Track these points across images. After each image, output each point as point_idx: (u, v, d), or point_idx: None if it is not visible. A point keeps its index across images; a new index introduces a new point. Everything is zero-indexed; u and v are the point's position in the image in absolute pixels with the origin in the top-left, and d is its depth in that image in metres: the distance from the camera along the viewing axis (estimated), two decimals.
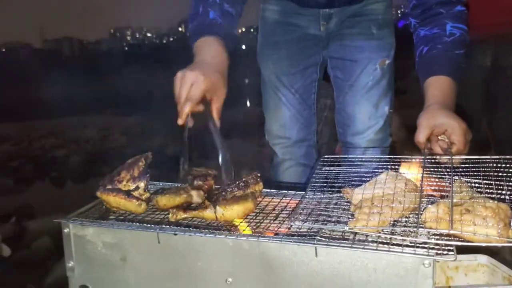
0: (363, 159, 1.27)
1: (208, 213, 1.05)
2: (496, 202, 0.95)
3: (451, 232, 0.89)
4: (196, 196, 1.09)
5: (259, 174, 1.16)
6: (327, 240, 0.95)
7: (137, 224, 1.07)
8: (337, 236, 0.98)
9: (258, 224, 1.07)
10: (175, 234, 1.02)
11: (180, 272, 1.05)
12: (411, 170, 1.15)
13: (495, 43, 2.33)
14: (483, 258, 1.17)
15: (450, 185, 1.02)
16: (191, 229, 1.03)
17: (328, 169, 1.19)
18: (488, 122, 2.53)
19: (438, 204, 0.96)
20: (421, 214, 0.96)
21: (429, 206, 0.97)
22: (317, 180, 1.14)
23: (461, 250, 0.97)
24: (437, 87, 1.25)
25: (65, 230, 1.11)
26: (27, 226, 3.18)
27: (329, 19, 1.67)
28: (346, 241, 0.95)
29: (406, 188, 1.03)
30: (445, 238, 0.91)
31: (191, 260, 1.03)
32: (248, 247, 0.99)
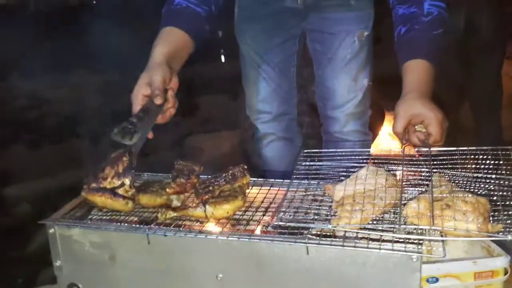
0: (343, 153, 1.24)
1: (198, 212, 1.04)
2: (475, 196, 0.97)
3: (433, 228, 0.91)
4: (175, 200, 1.07)
5: (245, 167, 1.15)
6: (318, 238, 0.96)
7: (126, 225, 1.05)
8: (327, 234, 0.99)
9: (248, 221, 1.06)
10: (165, 235, 1.01)
11: (170, 269, 1.05)
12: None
13: (468, 5, 2.34)
14: None
15: (429, 179, 1.03)
16: (181, 229, 1.02)
17: (309, 164, 1.19)
18: (463, 81, 2.57)
19: (419, 199, 0.97)
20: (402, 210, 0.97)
21: (410, 202, 0.98)
22: (299, 175, 1.14)
23: None
24: (415, 72, 1.23)
25: (51, 231, 1.09)
26: (5, 193, 3.13)
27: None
28: (337, 239, 0.96)
29: (387, 183, 1.03)
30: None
31: (181, 258, 1.03)
32: (239, 245, 0.99)
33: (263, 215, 1.08)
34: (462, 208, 0.93)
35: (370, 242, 0.95)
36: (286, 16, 1.66)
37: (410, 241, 0.94)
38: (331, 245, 0.95)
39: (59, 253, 1.10)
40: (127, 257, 1.06)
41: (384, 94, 2.44)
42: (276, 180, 1.22)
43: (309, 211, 1.05)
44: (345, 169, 1.15)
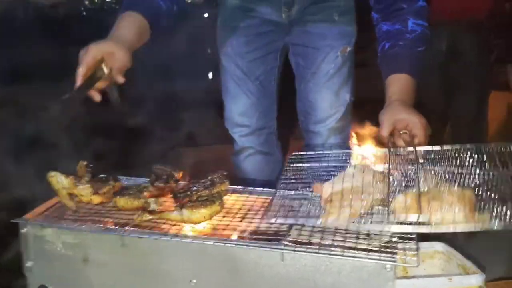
0: (330, 155, 1.27)
1: (175, 216, 1.03)
2: (460, 188, 0.99)
3: (420, 220, 0.93)
4: (153, 203, 1.06)
5: (225, 173, 1.15)
6: (294, 245, 0.96)
7: (100, 226, 1.04)
8: (303, 241, 0.99)
9: (225, 226, 1.06)
10: (140, 238, 1.00)
11: (144, 273, 1.03)
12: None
13: (450, 28, 2.36)
14: (439, 246, 1.21)
15: (416, 175, 1.04)
16: (156, 232, 1.01)
17: (296, 165, 1.20)
18: (445, 103, 2.55)
19: (406, 193, 0.99)
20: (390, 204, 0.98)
21: (398, 196, 0.99)
22: (287, 177, 1.15)
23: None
24: (398, 85, 1.29)
25: (23, 231, 1.07)
26: None
27: (291, 6, 1.63)
28: (312, 246, 0.96)
29: (374, 179, 1.05)
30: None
31: (156, 262, 1.02)
32: (213, 250, 0.99)
33: (240, 221, 1.08)
34: (448, 200, 0.95)
35: (345, 250, 0.95)
36: (269, 29, 1.67)
37: (388, 250, 0.94)
38: (306, 252, 0.95)
39: (31, 253, 1.08)
40: (101, 259, 1.05)
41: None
42: (255, 188, 1.22)
43: (298, 209, 1.05)
44: (332, 169, 1.17)
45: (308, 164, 1.22)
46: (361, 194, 1.01)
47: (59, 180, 1.10)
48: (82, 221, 1.08)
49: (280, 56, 1.74)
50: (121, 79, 1.23)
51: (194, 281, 1.01)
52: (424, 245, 1.22)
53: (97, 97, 1.20)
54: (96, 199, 1.11)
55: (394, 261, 0.92)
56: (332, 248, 0.95)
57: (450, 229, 0.91)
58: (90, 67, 1.18)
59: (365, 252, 0.94)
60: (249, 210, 1.13)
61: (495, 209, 0.93)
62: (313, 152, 1.25)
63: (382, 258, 0.93)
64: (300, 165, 1.21)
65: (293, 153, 1.22)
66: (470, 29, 2.38)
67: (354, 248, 0.96)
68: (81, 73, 1.17)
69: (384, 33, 1.36)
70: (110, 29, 1.29)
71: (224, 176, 1.14)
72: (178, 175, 1.17)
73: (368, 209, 1.00)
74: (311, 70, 1.68)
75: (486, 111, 2.58)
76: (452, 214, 0.92)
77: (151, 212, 1.04)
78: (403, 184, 1.08)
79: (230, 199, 1.18)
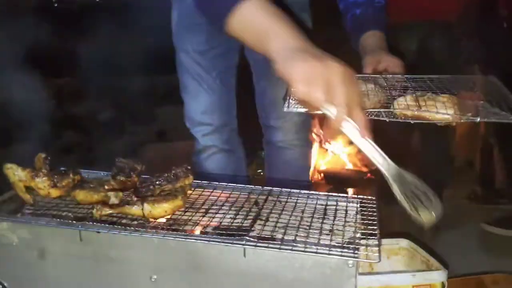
0: None
1: (135, 210, 1.01)
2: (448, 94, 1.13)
3: (418, 113, 1.09)
4: (113, 197, 1.03)
5: (189, 167, 1.13)
6: (256, 240, 0.95)
7: (58, 220, 1.01)
8: (266, 236, 0.98)
9: (187, 221, 1.04)
10: (98, 232, 0.97)
11: (103, 269, 1.01)
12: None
13: (421, 27, 2.38)
14: (404, 242, 1.25)
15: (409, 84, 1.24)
16: (115, 226, 0.99)
17: None
18: None
19: (405, 96, 1.14)
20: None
21: (398, 98, 1.14)
22: None
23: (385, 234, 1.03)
24: (375, 38, 1.47)
25: None
26: None
27: None
28: (275, 242, 0.95)
29: (376, 87, 1.19)
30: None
31: (115, 257, 1.00)
32: (175, 245, 0.97)
33: (203, 216, 1.06)
34: (440, 100, 1.10)
35: (307, 246, 0.94)
36: None
37: (348, 246, 0.94)
38: (268, 247, 0.94)
39: None
40: (58, 255, 1.01)
41: None
42: (220, 183, 1.20)
43: None
44: None
45: None
46: (368, 96, 1.13)
47: (15, 172, 1.07)
48: (39, 215, 1.04)
49: (239, 53, 1.73)
50: None
51: (155, 277, 0.99)
52: (389, 241, 1.24)
53: None
54: (55, 193, 1.08)
55: (356, 257, 0.92)
56: (295, 244, 0.95)
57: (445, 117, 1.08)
58: None
59: (328, 248, 0.94)
60: (212, 205, 1.12)
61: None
62: None
63: (344, 254, 0.92)
64: None
65: None
66: (440, 30, 2.41)
67: (316, 244, 0.95)
68: None
69: (352, 3, 1.52)
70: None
71: (188, 170, 1.12)
72: (141, 168, 1.14)
73: (374, 108, 1.12)
74: (269, 65, 1.67)
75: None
76: (445, 109, 1.08)
77: (111, 206, 1.02)
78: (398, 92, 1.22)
79: (194, 194, 1.16)
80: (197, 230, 1.02)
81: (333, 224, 1.04)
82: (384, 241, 1.17)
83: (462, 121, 1.10)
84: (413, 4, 2.26)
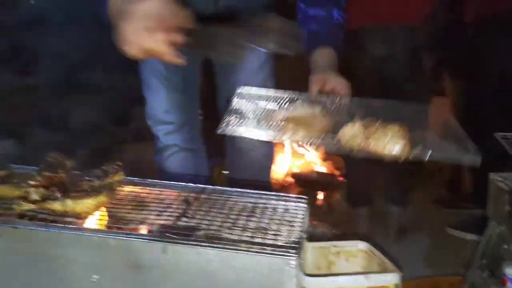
0: None
1: (57, 206, 0.99)
2: (398, 124, 1.12)
3: (364, 145, 1.08)
4: (33, 193, 1.01)
5: (120, 164, 1.12)
6: (204, 240, 0.94)
7: None
8: (212, 235, 0.97)
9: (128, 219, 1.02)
10: (15, 228, 0.95)
11: (40, 270, 0.97)
12: None
13: (386, 31, 2.34)
14: (362, 245, 1.26)
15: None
16: (51, 224, 0.96)
17: None
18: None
19: (353, 123, 1.12)
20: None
21: (346, 125, 1.12)
22: None
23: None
24: (326, 56, 1.48)
25: None
26: None
27: (216, 3, 1.61)
28: (220, 241, 0.94)
29: (321, 112, 1.21)
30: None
31: (53, 258, 0.96)
32: (114, 244, 0.94)
33: (128, 213, 1.05)
34: (388, 132, 1.09)
35: (250, 246, 0.93)
36: None
37: (291, 246, 0.93)
38: (212, 247, 0.92)
39: None
40: None
41: None
42: (153, 180, 1.19)
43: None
44: None
45: None
46: (312, 122, 1.14)
47: None
48: None
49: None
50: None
51: (96, 277, 0.96)
52: (348, 243, 1.26)
53: None
54: None
55: (297, 258, 0.91)
56: (238, 244, 0.94)
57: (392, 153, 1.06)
58: None
59: (271, 248, 0.93)
60: (141, 202, 1.11)
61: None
62: None
63: (286, 254, 0.91)
64: None
65: None
66: (405, 34, 2.38)
67: (260, 244, 0.94)
68: None
69: (311, 17, 1.52)
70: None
71: (119, 167, 1.11)
72: (71, 164, 1.13)
73: (319, 134, 1.12)
74: (234, 66, 1.67)
75: (425, 117, 2.60)
76: (393, 145, 1.07)
77: (34, 202, 1.00)
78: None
79: (124, 191, 1.15)
80: (140, 229, 0.99)
81: (258, 222, 1.04)
82: (343, 243, 1.25)
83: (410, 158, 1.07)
84: (376, 8, 2.25)
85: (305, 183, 3.01)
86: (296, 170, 3.11)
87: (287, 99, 1.32)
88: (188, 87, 1.73)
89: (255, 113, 1.24)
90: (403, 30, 2.34)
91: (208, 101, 1.88)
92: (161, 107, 1.71)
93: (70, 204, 0.99)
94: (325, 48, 1.49)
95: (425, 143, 1.08)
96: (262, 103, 1.31)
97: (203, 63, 1.76)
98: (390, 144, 1.07)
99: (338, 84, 1.39)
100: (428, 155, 1.05)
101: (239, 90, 1.37)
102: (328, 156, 3.10)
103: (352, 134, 1.09)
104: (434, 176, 2.89)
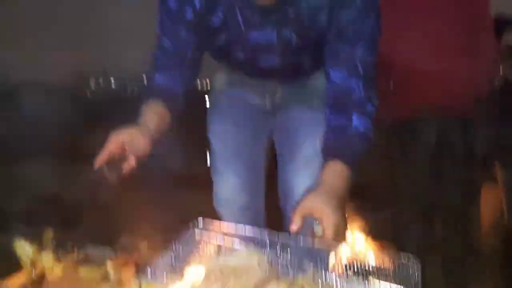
0: None
1: None
2: None
3: None
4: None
5: None
6: None
7: None
8: None
9: None
10: None
11: None
12: None
13: (438, 120, 2.33)
14: None
15: None
16: None
17: None
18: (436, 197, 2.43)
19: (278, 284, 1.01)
20: None
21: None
22: None
23: None
24: (331, 171, 1.34)
25: None
26: None
27: (274, 91, 1.71)
28: None
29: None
30: None
31: None
32: None
33: None
34: None
35: None
36: (254, 114, 1.75)
37: None
38: None
39: None
40: None
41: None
42: None
43: None
44: None
45: None
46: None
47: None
48: None
49: (268, 139, 1.80)
50: (132, 162, 1.35)
51: None
52: None
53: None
54: None
55: None
56: None
57: None
58: (111, 151, 1.32)
59: None
60: None
61: None
62: None
63: None
64: None
65: None
66: (459, 121, 2.34)
67: None
68: (101, 157, 1.32)
69: (331, 127, 1.44)
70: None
71: None
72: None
73: None
74: (291, 153, 1.72)
75: (478, 205, 2.47)
76: None
77: None
78: None
79: None
80: None
81: None
82: None
83: None
84: (427, 98, 2.28)
85: None
86: None
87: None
88: (254, 173, 1.79)
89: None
90: (452, 122, 2.33)
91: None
92: (226, 191, 1.78)
93: None
94: (335, 164, 1.34)
95: None
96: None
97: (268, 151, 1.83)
98: None
99: (325, 215, 1.20)
100: None
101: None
102: None
103: None
104: None
